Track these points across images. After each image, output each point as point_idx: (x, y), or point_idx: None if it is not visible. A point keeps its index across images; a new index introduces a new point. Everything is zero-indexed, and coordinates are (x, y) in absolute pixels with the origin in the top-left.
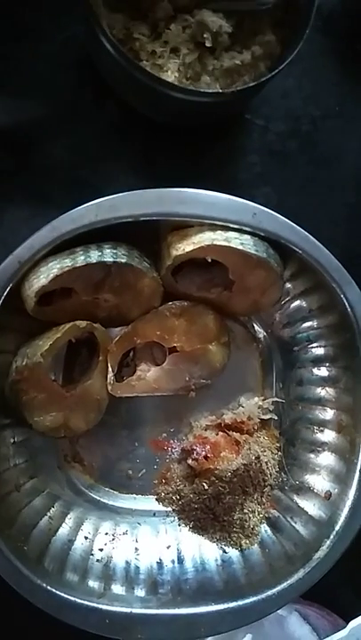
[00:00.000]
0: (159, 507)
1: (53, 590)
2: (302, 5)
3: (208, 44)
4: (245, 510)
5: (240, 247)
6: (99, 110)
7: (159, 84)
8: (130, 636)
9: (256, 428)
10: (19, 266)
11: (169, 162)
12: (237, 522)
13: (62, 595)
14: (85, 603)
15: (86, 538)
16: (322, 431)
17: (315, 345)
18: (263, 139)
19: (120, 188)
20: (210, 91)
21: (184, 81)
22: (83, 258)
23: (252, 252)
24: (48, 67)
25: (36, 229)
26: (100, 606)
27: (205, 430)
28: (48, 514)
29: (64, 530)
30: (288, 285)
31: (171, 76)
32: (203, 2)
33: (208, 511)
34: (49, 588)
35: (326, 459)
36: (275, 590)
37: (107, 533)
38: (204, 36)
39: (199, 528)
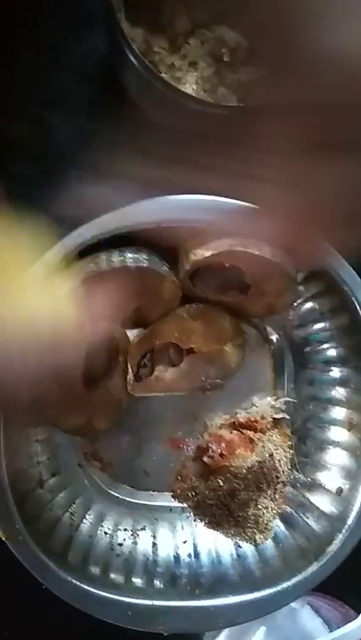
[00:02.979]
0: (175, 503)
1: (78, 584)
2: None
3: (226, 59)
4: (259, 506)
5: (257, 252)
6: (118, 121)
7: (181, 95)
8: (152, 627)
9: (269, 426)
10: None
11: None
12: (252, 517)
13: (87, 588)
14: (109, 595)
15: (106, 533)
16: (332, 430)
17: (326, 346)
18: None
19: (138, 196)
20: (230, 104)
21: (202, 93)
22: (106, 263)
23: (269, 257)
24: (68, 78)
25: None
26: (123, 599)
27: (220, 429)
28: (70, 510)
29: (85, 525)
30: (301, 288)
31: (189, 88)
32: (221, 18)
33: (223, 507)
34: (74, 581)
35: (337, 456)
36: (289, 583)
37: (126, 529)
38: (222, 50)
39: (214, 523)
